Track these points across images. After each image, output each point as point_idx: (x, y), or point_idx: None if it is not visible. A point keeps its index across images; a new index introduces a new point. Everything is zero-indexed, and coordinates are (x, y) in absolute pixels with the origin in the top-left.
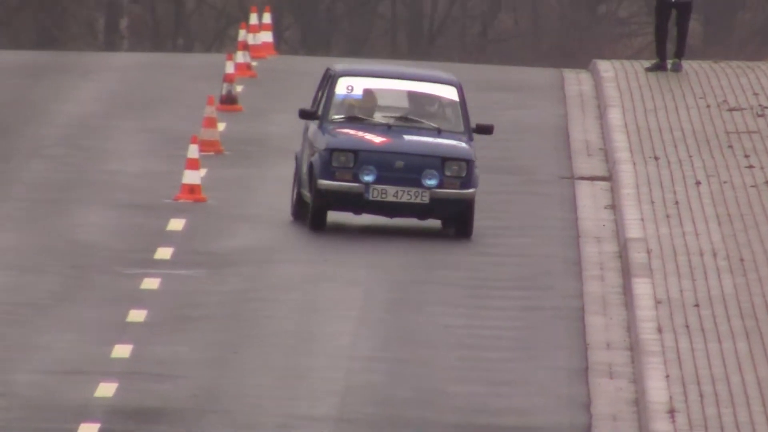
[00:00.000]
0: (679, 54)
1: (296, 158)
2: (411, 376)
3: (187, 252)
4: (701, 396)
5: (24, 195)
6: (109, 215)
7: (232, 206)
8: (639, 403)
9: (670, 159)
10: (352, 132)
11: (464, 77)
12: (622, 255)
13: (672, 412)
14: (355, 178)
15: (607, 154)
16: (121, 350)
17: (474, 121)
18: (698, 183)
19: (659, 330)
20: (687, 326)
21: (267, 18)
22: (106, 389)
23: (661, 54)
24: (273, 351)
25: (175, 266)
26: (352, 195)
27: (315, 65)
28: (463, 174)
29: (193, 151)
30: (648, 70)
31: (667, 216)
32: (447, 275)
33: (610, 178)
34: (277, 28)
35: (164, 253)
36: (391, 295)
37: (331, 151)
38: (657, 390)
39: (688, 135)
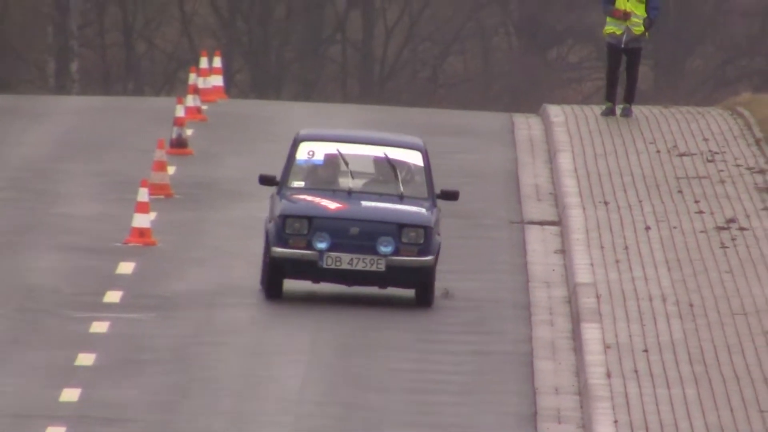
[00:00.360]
0: (629, 99)
1: (265, 226)
2: (359, 420)
3: (136, 295)
4: None
5: None
6: (58, 258)
7: (181, 249)
8: None
9: (620, 204)
10: (308, 198)
11: (415, 121)
12: (572, 300)
13: None
14: (309, 246)
15: (557, 198)
16: (70, 394)
17: (439, 186)
18: (648, 228)
19: (608, 375)
20: (636, 371)
21: (217, 62)
22: None
23: (611, 98)
24: (222, 395)
25: (125, 309)
26: (306, 263)
27: (265, 109)
28: (421, 241)
29: (143, 195)
30: (603, 114)
31: (617, 261)
32: (396, 319)
33: (559, 222)
34: (227, 71)
35: (113, 296)
36: (340, 339)
37: (284, 218)
38: None
39: (638, 180)
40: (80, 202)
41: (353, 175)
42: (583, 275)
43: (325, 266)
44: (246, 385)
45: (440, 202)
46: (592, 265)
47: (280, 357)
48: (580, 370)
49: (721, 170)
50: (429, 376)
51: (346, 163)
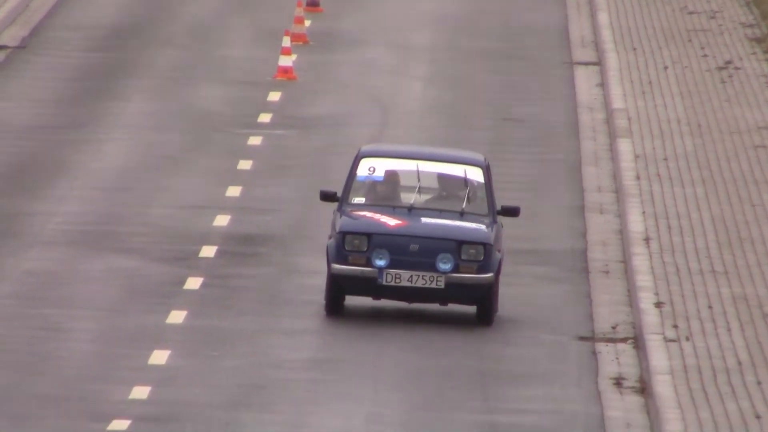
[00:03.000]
0: None
1: (327, 245)
2: None
3: (282, 117)
4: (669, 227)
5: (160, 74)
6: (222, 89)
7: (316, 83)
8: (622, 232)
9: (645, 49)
10: (368, 215)
11: None
12: (609, 121)
13: (647, 239)
14: (369, 263)
15: (597, 45)
16: (233, 191)
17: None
18: (666, 67)
19: (637, 177)
20: (658, 175)
21: None
22: (222, 220)
23: None
24: None
25: (274, 127)
26: (365, 280)
27: None
28: (480, 258)
29: (287, 42)
30: None
31: (643, 92)
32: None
33: (599, 63)
34: None
35: (265, 117)
36: None
37: (344, 234)
38: (636, 222)
39: (658, 31)
40: (238, 47)
41: (419, 191)
42: (617, 102)
43: (384, 283)
44: None
45: (501, 219)
46: (624, 95)
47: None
48: (616, 173)
49: (721, 24)
50: (501, 177)
51: (419, 179)
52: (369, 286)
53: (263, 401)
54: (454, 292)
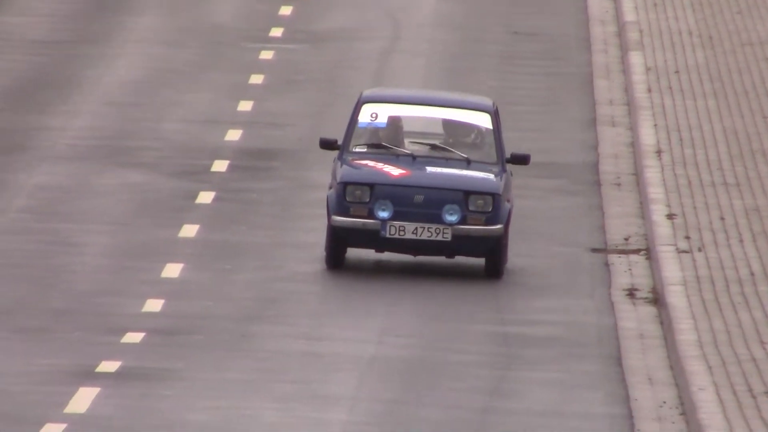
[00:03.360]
0: None
1: (327, 195)
2: None
3: (294, 31)
4: (681, 140)
5: None
6: (234, 3)
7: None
8: (634, 145)
9: None
10: (371, 164)
11: None
12: (621, 34)
13: (659, 152)
14: (371, 214)
15: None
16: (245, 105)
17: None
18: None
19: (649, 90)
20: (670, 88)
21: None
22: (234, 134)
23: None
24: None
25: (285, 42)
26: (368, 232)
27: None
28: (489, 209)
29: None
30: None
31: (655, 4)
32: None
33: None
34: None
35: (277, 32)
36: None
37: (344, 185)
38: (647, 135)
39: None
40: None
41: (418, 137)
42: (629, 15)
43: (388, 236)
44: None
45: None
46: (636, 7)
47: None
48: (628, 86)
49: None
50: (512, 92)
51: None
52: (372, 238)
53: (276, 314)
54: (461, 244)
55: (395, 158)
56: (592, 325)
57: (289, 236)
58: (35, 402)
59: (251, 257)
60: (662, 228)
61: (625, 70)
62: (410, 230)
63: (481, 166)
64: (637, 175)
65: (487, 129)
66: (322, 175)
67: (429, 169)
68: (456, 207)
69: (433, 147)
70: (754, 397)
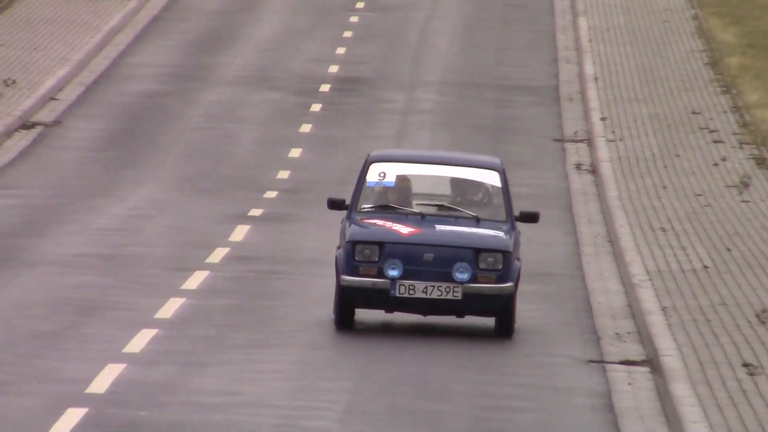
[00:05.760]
0: None
1: (336, 255)
2: None
3: (371, 4)
4: (609, 72)
5: None
6: None
7: None
8: (580, 74)
9: None
10: (379, 222)
11: None
12: (573, 5)
13: (596, 79)
14: (381, 273)
15: None
16: (341, 50)
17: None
18: None
19: (590, 41)
20: (603, 39)
21: None
22: (333, 68)
23: None
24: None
25: (366, 11)
26: (377, 291)
27: None
28: (499, 267)
29: None
30: None
31: None
32: None
33: None
34: None
35: (360, 4)
36: None
37: (354, 244)
38: (589, 68)
39: None
40: None
41: (427, 197)
42: None
43: (397, 295)
44: None
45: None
46: None
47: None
48: (577, 38)
49: None
50: (506, 42)
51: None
52: (381, 298)
53: None
54: (471, 303)
55: (404, 217)
56: (553, 187)
57: (371, 132)
58: (210, 232)
59: (345, 145)
60: (597, 126)
61: (576, 27)
62: (420, 289)
63: (490, 224)
64: (582, 93)
65: (495, 187)
66: (391, 93)
67: (438, 227)
68: (466, 265)
69: (441, 207)
70: (653, 230)
